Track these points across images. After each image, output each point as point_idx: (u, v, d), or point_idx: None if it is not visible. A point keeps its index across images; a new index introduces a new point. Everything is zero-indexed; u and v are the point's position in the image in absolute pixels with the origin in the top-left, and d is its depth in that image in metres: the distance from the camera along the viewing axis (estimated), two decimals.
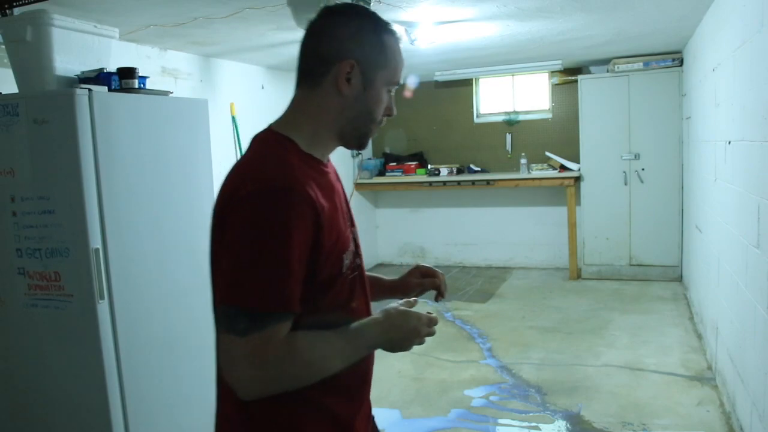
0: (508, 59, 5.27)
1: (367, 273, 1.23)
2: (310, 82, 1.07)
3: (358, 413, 1.13)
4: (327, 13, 1.11)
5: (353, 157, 6.44)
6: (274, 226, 0.92)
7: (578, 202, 5.66)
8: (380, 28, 1.09)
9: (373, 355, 1.16)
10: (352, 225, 1.15)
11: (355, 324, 1.05)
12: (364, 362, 1.10)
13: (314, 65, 1.07)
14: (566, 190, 5.65)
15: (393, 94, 1.13)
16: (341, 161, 6.21)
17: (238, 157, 4.89)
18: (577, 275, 5.73)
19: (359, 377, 1.13)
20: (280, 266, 0.93)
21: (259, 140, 1.07)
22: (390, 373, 3.55)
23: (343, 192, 1.17)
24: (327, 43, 1.06)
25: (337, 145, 1.12)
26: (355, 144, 1.13)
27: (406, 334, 1.09)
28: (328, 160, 1.14)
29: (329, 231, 0.99)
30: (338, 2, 1.10)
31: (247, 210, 0.93)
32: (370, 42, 1.06)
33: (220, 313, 0.96)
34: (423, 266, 1.35)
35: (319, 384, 1.00)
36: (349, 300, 1.09)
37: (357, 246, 1.14)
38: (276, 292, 0.93)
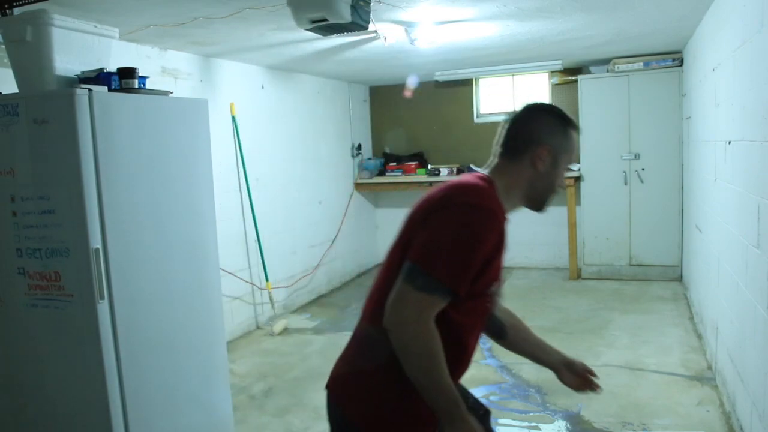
0: (508, 59, 5.27)
1: (535, 336, 1.68)
2: (512, 156, 1.40)
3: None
4: (533, 108, 1.45)
5: (353, 157, 6.44)
6: (475, 231, 1.25)
7: (578, 202, 5.66)
8: (568, 123, 1.42)
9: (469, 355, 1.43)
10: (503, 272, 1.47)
11: (456, 394, 1.27)
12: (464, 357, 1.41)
13: (518, 145, 1.40)
14: (566, 190, 5.65)
15: (564, 172, 1.45)
16: (342, 161, 6.21)
17: (238, 156, 4.86)
18: (577, 275, 5.73)
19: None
20: (464, 258, 1.24)
21: (473, 175, 1.41)
22: None
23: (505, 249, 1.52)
24: (530, 131, 1.41)
25: (522, 207, 1.43)
26: (537, 207, 1.45)
27: None
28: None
29: (497, 260, 1.31)
30: (540, 102, 1.50)
31: (459, 212, 1.26)
32: (560, 134, 1.40)
33: (408, 268, 1.25)
34: (584, 367, 1.66)
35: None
36: (477, 317, 1.39)
37: (499, 290, 1.46)
38: (452, 272, 1.23)
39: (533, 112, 1.44)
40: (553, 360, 1.63)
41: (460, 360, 1.38)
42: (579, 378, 1.62)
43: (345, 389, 1.40)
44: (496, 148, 1.46)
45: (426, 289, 1.22)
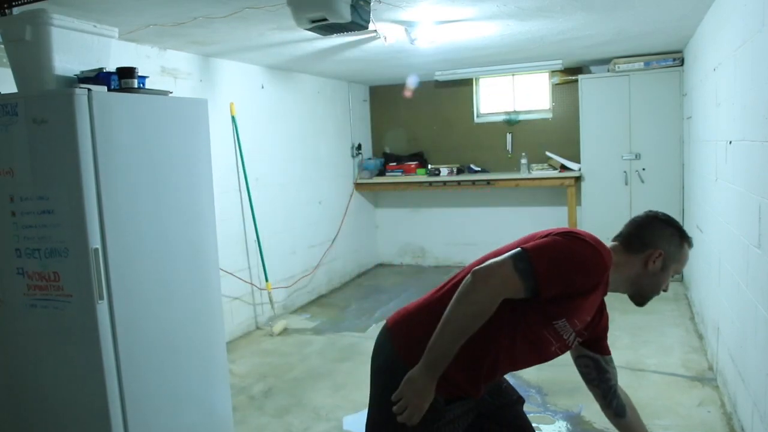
0: (508, 59, 5.27)
1: (642, 424, 1.91)
2: (629, 250, 1.58)
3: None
4: (655, 216, 1.63)
5: (353, 156, 6.44)
6: (588, 261, 1.43)
7: (579, 202, 5.66)
8: (684, 238, 1.59)
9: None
10: (581, 333, 1.59)
11: (444, 363, 1.42)
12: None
13: (638, 244, 1.57)
14: (567, 190, 5.64)
15: (668, 272, 1.58)
16: (342, 161, 6.21)
17: (238, 156, 4.85)
18: None
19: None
20: (567, 272, 1.40)
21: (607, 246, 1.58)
22: None
23: (603, 317, 1.67)
24: (651, 235, 1.58)
25: (621, 292, 1.59)
26: (638, 302, 1.61)
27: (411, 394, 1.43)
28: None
29: (582, 301, 1.45)
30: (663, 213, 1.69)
31: (583, 243, 1.46)
32: (675, 244, 1.57)
33: (519, 251, 1.40)
34: None
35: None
36: (533, 342, 1.51)
37: (567, 343, 1.56)
38: (551, 274, 1.38)
39: (657, 220, 1.63)
40: None
41: (508, 362, 1.54)
42: None
43: (401, 329, 1.58)
44: (614, 240, 1.66)
45: (523, 273, 1.36)
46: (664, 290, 1.60)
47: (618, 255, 1.56)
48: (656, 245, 1.55)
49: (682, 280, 5.33)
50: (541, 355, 1.56)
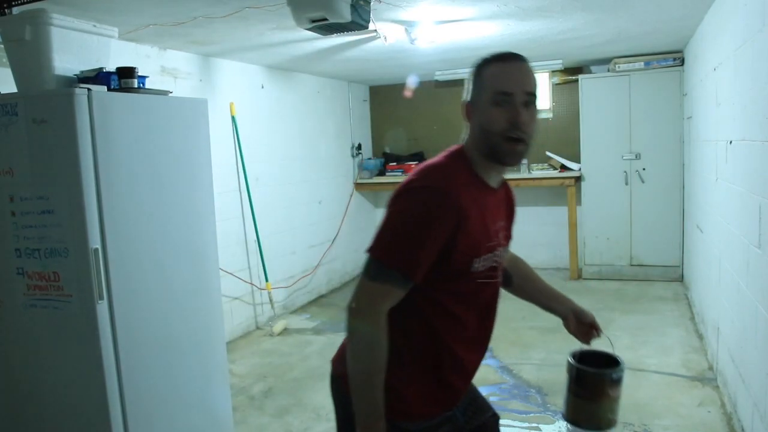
0: None
1: (544, 284, 1.67)
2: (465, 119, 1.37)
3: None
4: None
5: (353, 156, 6.43)
6: (421, 214, 1.22)
7: (579, 202, 5.66)
8: (482, 64, 1.34)
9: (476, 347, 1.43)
10: (501, 244, 1.40)
11: (378, 403, 1.24)
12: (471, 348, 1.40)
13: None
14: (567, 190, 5.64)
15: (517, 103, 1.26)
16: (342, 161, 6.20)
17: (238, 156, 4.86)
18: (577, 275, 5.72)
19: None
20: (414, 241, 1.21)
21: (448, 149, 1.37)
22: None
23: (508, 217, 1.48)
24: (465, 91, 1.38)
25: (493, 167, 1.34)
26: (495, 159, 1.31)
27: None
28: (502, 188, 1.43)
29: (466, 234, 1.24)
30: None
31: (408, 198, 1.25)
32: (474, 83, 1.34)
33: (366, 261, 1.25)
34: (592, 319, 1.63)
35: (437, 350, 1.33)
36: (470, 299, 1.34)
37: (499, 261, 1.39)
38: (402, 257, 1.22)
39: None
40: (562, 308, 1.62)
41: (462, 339, 1.35)
42: (584, 328, 1.61)
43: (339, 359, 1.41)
44: None
45: (378, 277, 1.22)
46: (514, 123, 1.25)
47: (467, 135, 1.36)
48: (465, 100, 1.35)
49: (682, 280, 5.33)
50: (488, 301, 1.39)
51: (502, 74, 1.28)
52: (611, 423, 1.48)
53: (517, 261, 1.67)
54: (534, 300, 1.67)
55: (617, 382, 1.46)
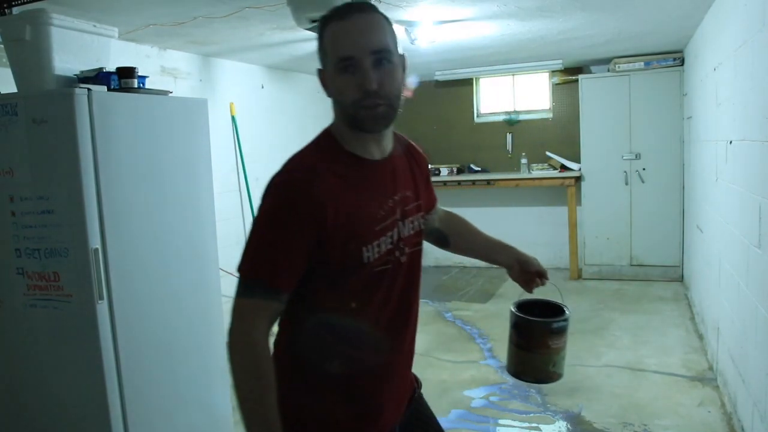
0: (508, 59, 5.26)
1: (484, 236, 1.52)
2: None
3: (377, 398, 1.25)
4: None
5: None
6: (276, 213, 1.10)
7: (579, 202, 5.65)
8: (322, 24, 1.16)
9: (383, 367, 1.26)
10: (408, 216, 1.24)
11: (272, 424, 1.10)
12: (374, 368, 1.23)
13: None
14: (567, 190, 5.64)
15: (365, 67, 1.10)
16: None
17: (238, 156, 4.85)
18: (577, 275, 5.72)
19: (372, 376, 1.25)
20: (271, 246, 1.09)
21: (322, 131, 1.24)
22: None
23: (416, 181, 1.30)
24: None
25: (364, 136, 1.18)
26: (359, 129, 1.17)
27: None
28: (396, 154, 1.26)
29: (339, 224, 1.10)
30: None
31: (266, 197, 1.13)
32: (318, 46, 1.18)
33: (237, 280, 1.13)
34: (537, 267, 1.46)
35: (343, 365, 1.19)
36: (370, 292, 1.18)
37: (400, 239, 1.21)
38: (261, 266, 1.10)
39: None
40: (505, 258, 1.48)
41: (372, 341, 1.20)
42: (527, 276, 1.46)
43: None
44: None
45: (244, 293, 1.09)
46: (366, 90, 1.10)
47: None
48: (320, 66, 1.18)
49: (682, 280, 5.33)
50: (395, 287, 1.21)
51: (341, 36, 1.11)
52: (553, 376, 1.41)
53: (451, 218, 1.54)
54: (475, 254, 1.54)
55: (559, 332, 1.37)
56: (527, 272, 1.45)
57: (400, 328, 1.25)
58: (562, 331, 1.39)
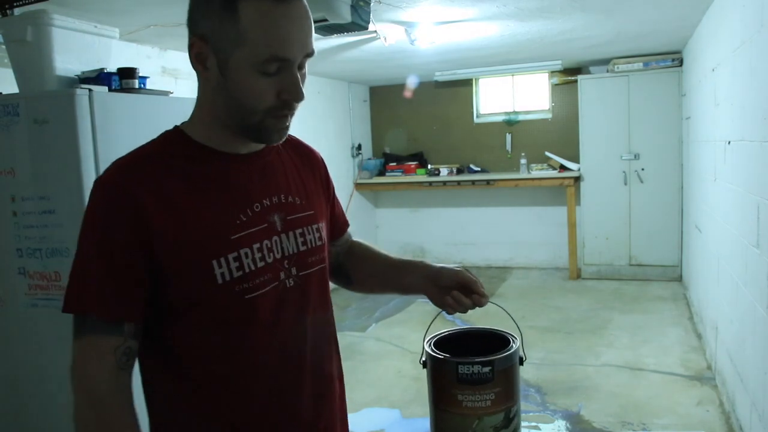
0: (508, 59, 5.28)
1: (385, 268, 1.16)
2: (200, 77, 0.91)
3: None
4: None
5: (353, 157, 6.45)
6: (93, 223, 0.86)
7: (578, 202, 5.67)
8: None
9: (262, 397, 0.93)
10: (285, 230, 0.95)
11: None
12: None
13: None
14: (566, 190, 5.66)
15: (295, 73, 0.86)
16: (342, 161, 6.21)
17: None
18: (576, 275, 5.73)
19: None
20: (93, 265, 0.84)
21: None
22: (390, 372, 3.55)
23: (302, 186, 1.01)
24: (190, 20, 0.88)
25: (245, 138, 0.92)
26: (255, 137, 0.91)
27: None
28: (275, 150, 0.98)
29: (171, 230, 0.84)
30: None
31: (87, 208, 0.87)
32: (218, 16, 0.83)
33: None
34: (465, 276, 1.07)
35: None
36: (244, 326, 0.89)
37: (285, 257, 0.93)
38: (86, 293, 0.83)
39: None
40: (414, 278, 1.11)
41: (247, 398, 0.90)
42: (445, 291, 1.07)
43: None
44: None
45: (77, 332, 0.84)
46: (287, 100, 0.87)
47: (198, 92, 0.94)
48: (191, 30, 0.87)
49: (681, 279, 5.35)
50: (274, 324, 0.92)
51: (277, 26, 0.83)
52: None
53: (352, 253, 1.20)
54: (380, 284, 1.20)
55: (475, 381, 0.95)
56: (443, 287, 1.07)
57: (294, 394, 0.94)
58: (483, 381, 0.93)
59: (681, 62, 5.22)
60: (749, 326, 2.40)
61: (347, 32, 2.89)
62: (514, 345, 1.00)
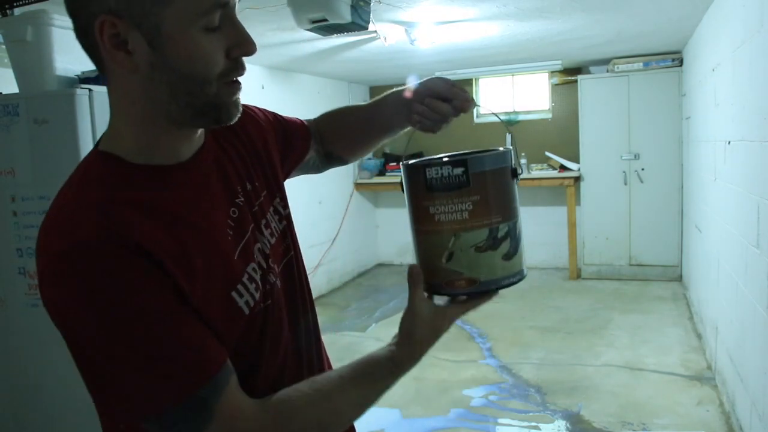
0: (508, 59, 5.28)
1: (352, 114, 1.06)
2: (99, 68, 0.71)
3: None
4: None
5: None
6: (118, 289, 0.64)
7: (578, 202, 5.67)
8: None
9: None
10: (258, 224, 0.83)
11: (372, 362, 0.80)
12: None
13: (81, 40, 0.69)
14: (566, 190, 5.66)
15: (235, 18, 0.71)
16: None
17: None
18: (576, 275, 5.73)
19: None
20: (162, 335, 0.65)
21: (78, 166, 0.75)
22: None
23: (251, 171, 0.85)
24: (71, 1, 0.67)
25: (190, 130, 0.75)
26: (210, 120, 0.74)
27: (438, 338, 0.83)
28: (204, 146, 0.79)
29: (183, 274, 0.68)
30: None
31: (74, 283, 0.64)
32: None
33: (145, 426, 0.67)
34: (439, 83, 0.91)
35: None
36: (259, 342, 0.79)
37: (268, 256, 0.81)
38: (183, 368, 0.66)
39: None
40: (396, 114, 1.04)
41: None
42: (418, 108, 0.96)
43: None
44: None
45: (201, 422, 0.67)
46: (243, 55, 0.73)
47: (111, 104, 0.73)
48: (91, 15, 0.65)
49: (681, 279, 5.35)
50: (277, 334, 0.82)
51: None
52: (449, 283, 0.82)
53: (323, 133, 1.09)
54: (375, 139, 1.14)
55: (447, 186, 0.78)
56: (412, 103, 0.94)
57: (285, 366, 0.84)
58: (456, 187, 0.77)
59: (681, 62, 5.22)
60: (749, 326, 2.40)
61: (347, 32, 2.89)
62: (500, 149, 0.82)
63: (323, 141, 1.08)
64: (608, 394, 3.19)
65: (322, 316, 4.99)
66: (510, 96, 6.32)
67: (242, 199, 0.81)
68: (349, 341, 4.30)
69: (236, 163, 0.84)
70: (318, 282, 5.66)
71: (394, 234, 6.79)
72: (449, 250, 0.79)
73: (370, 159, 6.64)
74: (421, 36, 3.69)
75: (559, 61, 5.52)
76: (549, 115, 6.14)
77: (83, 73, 2.17)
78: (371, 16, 2.85)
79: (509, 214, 0.83)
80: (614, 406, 3.03)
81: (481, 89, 6.44)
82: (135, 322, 0.65)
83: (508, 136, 6.53)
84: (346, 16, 2.59)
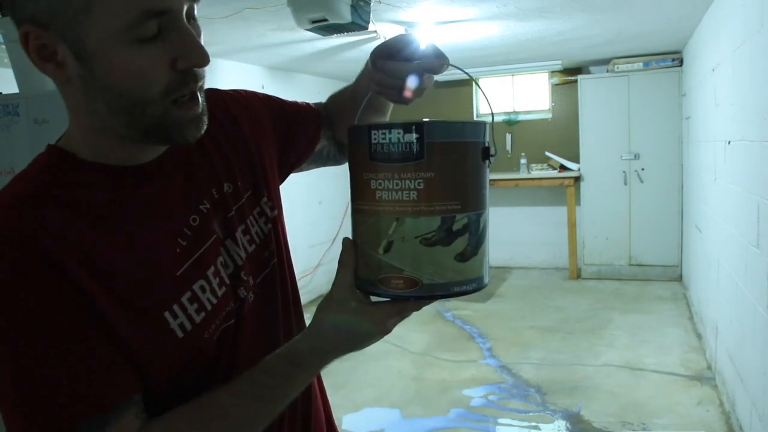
0: (508, 59, 5.28)
1: (346, 94, 0.89)
2: (45, 68, 0.66)
3: None
4: None
5: None
6: (7, 305, 0.56)
7: (578, 202, 5.67)
8: None
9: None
10: (230, 233, 0.75)
11: (266, 367, 0.67)
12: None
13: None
14: (566, 190, 5.66)
15: (183, 26, 0.66)
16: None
17: None
18: (576, 275, 5.73)
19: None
20: (57, 358, 0.57)
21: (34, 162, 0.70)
22: (390, 372, 3.55)
23: (235, 170, 0.77)
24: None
25: (149, 144, 0.68)
26: (161, 140, 0.66)
27: (359, 342, 0.72)
28: (174, 147, 0.71)
29: (99, 288, 0.60)
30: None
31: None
32: None
33: None
34: (400, 40, 0.79)
35: None
36: (221, 360, 0.71)
37: (238, 269, 0.73)
38: (72, 398, 0.57)
39: None
40: (366, 84, 0.85)
41: None
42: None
43: None
44: None
45: None
46: (193, 66, 0.65)
47: (67, 105, 0.71)
48: (18, 21, 0.61)
49: (681, 279, 5.35)
50: (233, 355, 0.72)
51: None
52: (385, 280, 0.66)
53: (331, 119, 0.97)
54: (368, 111, 0.89)
55: (398, 157, 0.62)
56: (374, 68, 0.80)
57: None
58: (405, 159, 0.61)
59: (681, 62, 5.22)
60: (749, 326, 2.40)
61: (347, 32, 2.89)
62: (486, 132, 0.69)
63: (333, 127, 0.96)
64: (608, 394, 3.19)
65: None
66: (510, 96, 6.32)
67: (208, 205, 0.72)
68: None
69: (214, 162, 0.75)
70: (318, 282, 5.66)
71: None
72: (388, 238, 0.64)
73: None
74: (421, 36, 3.69)
75: (559, 61, 5.52)
76: (549, 115, 6.14)
77: None
78: (371, 16, 2.85)
79: (472, 203, 0.66)
80: (614, 406, 3.03)
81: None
82: (15, 337, 0.56)
83: (508, 136, 6.48)
84: (346, 16, 2.59)
